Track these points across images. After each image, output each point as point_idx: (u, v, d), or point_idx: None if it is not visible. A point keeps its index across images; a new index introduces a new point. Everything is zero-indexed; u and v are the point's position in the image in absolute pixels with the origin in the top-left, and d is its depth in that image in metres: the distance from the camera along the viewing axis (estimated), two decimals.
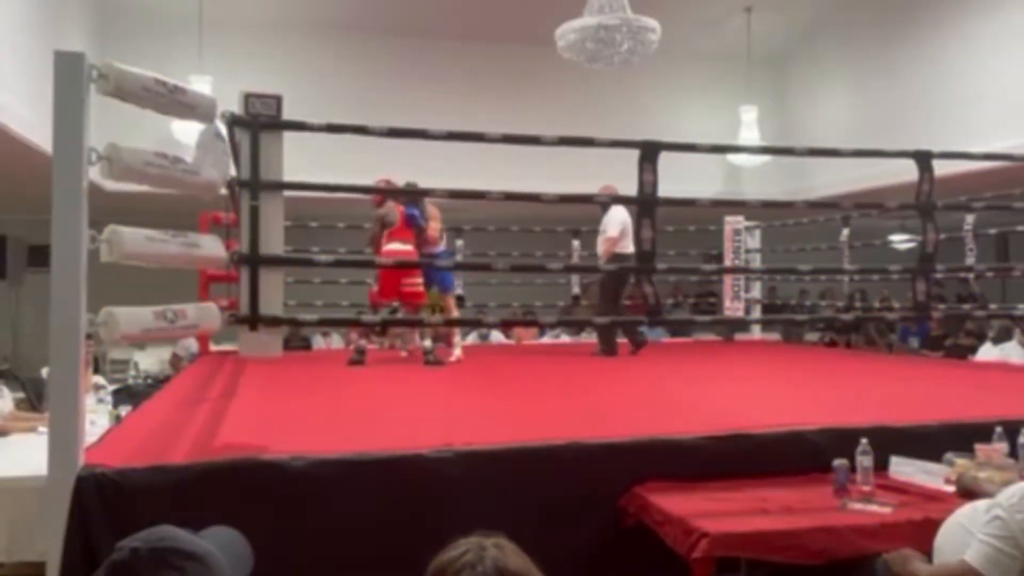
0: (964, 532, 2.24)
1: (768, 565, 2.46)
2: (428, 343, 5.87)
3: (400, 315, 6.01)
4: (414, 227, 5.82)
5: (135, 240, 2.72)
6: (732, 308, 7.99)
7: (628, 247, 6.15)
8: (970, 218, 6.53)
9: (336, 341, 9.83)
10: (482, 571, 1.27)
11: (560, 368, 5.96)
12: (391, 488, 2.70)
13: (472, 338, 7.19)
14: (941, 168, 4.82)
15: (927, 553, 2.35)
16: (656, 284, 4.36)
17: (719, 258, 8.34)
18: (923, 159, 4.60)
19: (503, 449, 2.88)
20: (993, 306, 7.87)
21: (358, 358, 5.78)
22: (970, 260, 6.56)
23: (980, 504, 2.30)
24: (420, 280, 5.85)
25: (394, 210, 5.79)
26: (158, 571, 1.22)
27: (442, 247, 6.31)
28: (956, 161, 5.36)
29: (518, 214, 8.70)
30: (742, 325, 9.00)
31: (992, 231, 7.19)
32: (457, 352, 6.17)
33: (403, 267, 5.62)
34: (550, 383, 5.14)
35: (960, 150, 5.63)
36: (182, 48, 8.89)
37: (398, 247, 5.74)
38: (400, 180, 5.83)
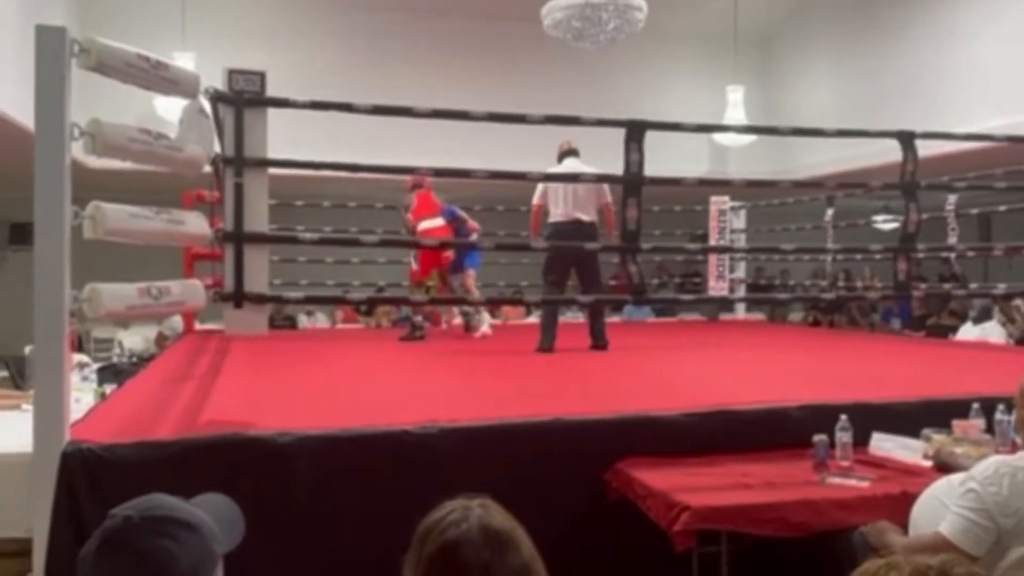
0: (939, 505, 2.27)
1: (748, 538, 2.50)
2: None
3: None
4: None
5: (118, 216, 2.71)
6: (716, 288, 8.03)
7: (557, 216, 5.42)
8: (952, 198, 6.56)
9: (321, 320, 9.82)
10: (467, 528, 1.33)
11: None
12: (377, 464, 2.72)
13: (459, 317, 7.23)
14: (924, 149, 4.85)
15: (903, 526, 2.39)
16: (641, 264, 4.39)
17: (704, 238, 8.37)
18: (906, 139, 4.63)
19: (488, 426, 2.90)
20: (974, 286, 7.95)
21: (418, 334, 6.16)
22: (952, 240, 6.60)
23: (955, 478, 2.34)
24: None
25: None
26: (152, 539, 1.21)
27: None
28: (939, 141, 5.39)
29: (505, 194, 8.66)
30: (726, 305, 9.04)
31: (974, 211, 7.23)
32: (484, 328, 6.60)
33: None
34: (537, 360, 5.16)
35: (943, 131, 5.66)
36: (165, 25, 8.78)
37: (429, 225, 6.18)
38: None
